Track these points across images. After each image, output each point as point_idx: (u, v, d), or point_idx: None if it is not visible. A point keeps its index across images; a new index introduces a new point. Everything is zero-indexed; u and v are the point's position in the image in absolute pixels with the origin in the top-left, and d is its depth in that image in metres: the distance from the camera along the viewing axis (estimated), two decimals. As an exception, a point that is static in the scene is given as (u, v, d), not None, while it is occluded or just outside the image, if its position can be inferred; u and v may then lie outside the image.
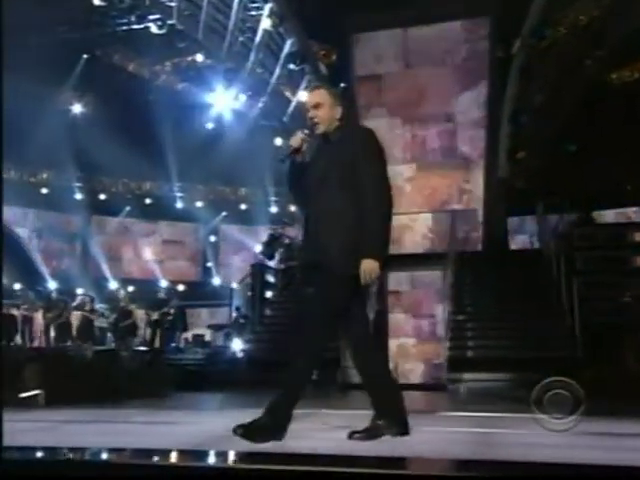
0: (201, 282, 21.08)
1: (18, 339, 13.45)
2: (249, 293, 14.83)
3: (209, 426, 4.43)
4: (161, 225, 21.72)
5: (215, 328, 16.30)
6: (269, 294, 14.29)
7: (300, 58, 14.49)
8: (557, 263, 11.14)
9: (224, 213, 21.44)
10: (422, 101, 14.77)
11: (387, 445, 3.06)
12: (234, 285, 15.83)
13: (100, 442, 3.27)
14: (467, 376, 9.70)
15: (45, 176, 20.41)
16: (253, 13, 15.02)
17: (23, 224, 19.07)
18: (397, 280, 11.61)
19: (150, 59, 18.60)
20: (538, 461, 2.68)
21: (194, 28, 15.53)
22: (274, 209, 20.33)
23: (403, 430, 3.19)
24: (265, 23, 14.35)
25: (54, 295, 14.73)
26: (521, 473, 2.45)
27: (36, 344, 13.48)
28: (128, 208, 20.76)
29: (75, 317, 13.85)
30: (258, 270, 14.21)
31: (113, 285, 18.49)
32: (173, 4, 15.19)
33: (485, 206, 14.21)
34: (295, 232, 14.08)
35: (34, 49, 15.55)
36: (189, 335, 16.02)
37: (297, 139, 3.30)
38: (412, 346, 10.80)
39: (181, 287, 18.82)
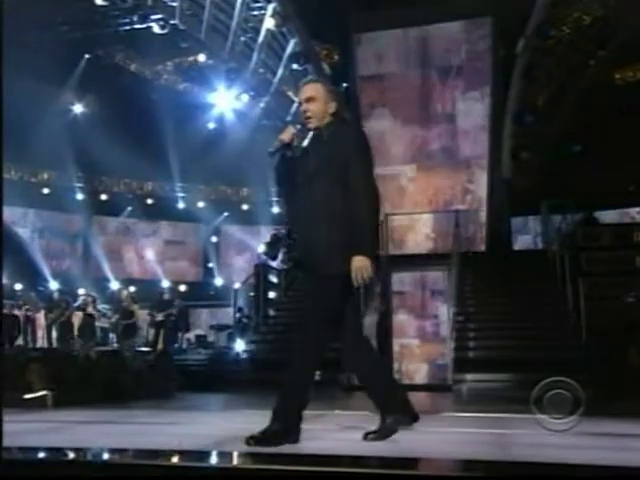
0: (203, 282, 21.05)
1: (20, 340, 13.43)
2: (251, 294, 14.81)
3: (220, 426, 4.40)
4: (163, 225, 21.69)
5: (217, 328, 16.29)
6: (272, 294, 14.26)
7: (303, 58, 14.45)
8: (562, 263, 11.12)
9: (226, 213, 21.42)
10: (425, 101, 14.75)
11: (399, 446, 3.04)
12: (237, 285, 15.79)
13: (115, 443, 3.25)
14: (472, 377, 9.68)
15: (46, 176, 20.39)
16: (255, 13, 15.01)
17: (24, 224, 19.02)
18: (401, 281, 11.57)
19: (152, 59, 18.59)
20: (548, 462, 2.67)
21: (196, 28, 15.52)
22: (276, 209, 20.30)
23: (412, 419, 3.21)
24: (268, 23, 14.33)
25: (56, 295, 14.70)
26: (530, 473, 2.43)
27: (39, 345, 13.46)
28: (130, 208, 20.75)
29: (77, 317, 13.83)
30: (261, 270, 14.17)
31: (114, 285, 18.46)
32: (175, 4, 15.18)
33: (489, 206, 14.18)
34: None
35: (36, 49, 15.56)
36: (191, 336, 16.00)
37: (287, 133, 3.23)
38: (416, 347, 10.76)
39: (183, 287, 18.80)
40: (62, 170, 19.64)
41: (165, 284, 18.22)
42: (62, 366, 6.95)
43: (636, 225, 13.20)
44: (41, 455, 2.78)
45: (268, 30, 14.70)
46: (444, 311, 10.79)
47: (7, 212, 18.23)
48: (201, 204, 21.55)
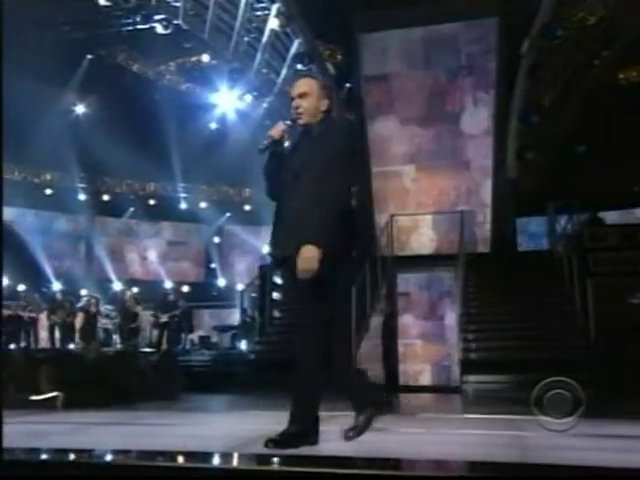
0: (205, 283, 21.02)
1: (24, 341, 13.41)
2: (254, 294, 14.77)
3: (234, 428, 4.37)
4: (165, 226, 21.67)
5: (220, 329, 16.26)
6: (277, 295, 14.21)
7: (307, 58, 14.42)
8: (569, 264, 11.10)
9: (228, 214, 21.39)
10: (429, 101, 14.70)
11: (410, 447, 3.07)
12: (241, 286, 15.76)
13: (132, 444, 3.24)
14: (480, 378, 9.65)
15: (49, 177, 20.37)
16: (259, 13, 14.97)
17: (27, 225, 18.97)
18: (406, 282, 11.53)
19: (155, 59, 18.57)
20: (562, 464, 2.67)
21: (200, 28, 15.49)
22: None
23: (377, 406, 3.30)
24: (272, 23, 14.30)
25: (59, 296, 14.68)
26: (543, 474, 2.43)
27: (42, 345, 13.44)
28: (132, 209, 20.72)
29: (80, 318, 13.81)
30: (266, 272, 14.13)
31: (117, 286, 18.44)
32: (179, 4, 15.15)
33: (493, 207, 14.14)
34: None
35: (38, 49, 15.53)
36: (195, 336, 15.97)
37: (278, 130, 3.14)
38: (422, 348, 10.71)
39: (185, 288, 18.77)
40: (65, 171, 19.63)
41: (168, 285, 18.20)
42: (69, 367, 6.94)
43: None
44: (41, 456, 2.78)
45: (272, 30, 14.66)
46: (450, 312, 10.75)
47: (10, 213, 18.23)
48: (203, 205, 21.53)
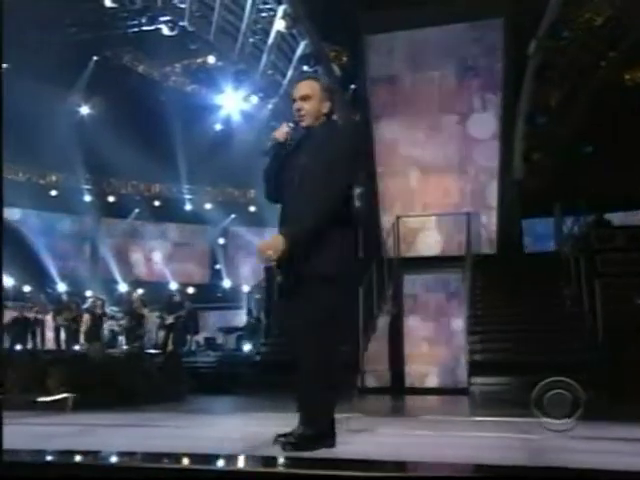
0: (210, 285, 21.02)
1: (31, 342, 13.43)
2: (257, 296, 14.76)
3: (247, 430, 4.34)
4: (170, 227, 21.68)
5: (225, 331, 16.26)
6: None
7: (314, 60, 14.41)
8: (576, 265, 11.06)
9: (233, 215, 21.39)
10: (435, 102, 14.68)
11: (423, 449, 3.07)
12: (246, 288, 15.76)
13: (149, 446, 3.21)
14: (488, 380, 9.61)
15: (54, 178, 20.41)
16: (265, 14, 14.98)
17: (32, 226, 19.01)
18: (413, 283, 11.51)
19: (160, 60, 18.60)
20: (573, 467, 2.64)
21: (206, 29, 15.52)
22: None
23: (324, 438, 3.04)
24: (279, 25, 14.30)
25: (64, 297, 14.70)
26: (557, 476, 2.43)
27: (48, 347, 13.45)
28: (137, 210, 20.74)
29: (86, 320, 13.81)
30: (272, 273, 14.11)
31: (122, 288, 18.46)
32: (185, 6, 15.18)
33: (500, 208, 14.11)
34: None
35: (44, 50, 15.57)
36: (200, 338, 15.96)
37: (282, 132, 3.12)
38: (428, 349, 10.68)
39: (190, 290, 18.77)
40: (70, 172, 19.67)
41: (173, 286, 18.20)
42: (74, 369, 6.92)
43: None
44: (42, 457, 2.76)
45: (278, 32, 14.66)
46: (458, 314, 10.71)
47: (16, 214, 18.28)
48: (209, 206, 21.54)
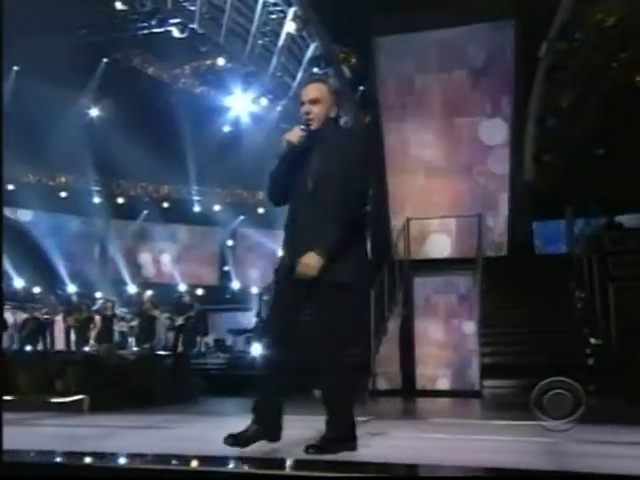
0: (219, 286, 21.03)
1: (41, 343, 13.46)
2: (267, 297, 14.71)
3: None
4: (179, 229, 21.71)
5: (235, 333, 16.26)
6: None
7: (324, 62, 14.41)
8: (588, 267, 11.00)
9: (242, 217, 21.40)
10: (446, 104, 14.65)
11: (440, 452, 3.03)
12: (255, 289, 15.74)
13: (167, 448, 3.20)
14: (501, 383, 9.57)
15: (64, 180, 20.48)
16: (275, 17, 14.99)
17: (42, 227, 19.08)
18: (423, 285, 11.46)
19: (170, 63, 18.65)
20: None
21: (216, 32, 15.55)
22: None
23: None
24: (289, 27, 14.31)
25: (74, 299, 14.74)
26: None
27: (58, 348, 13.48)
28: (146, 212, 20.78)
29: (96, 321, 13.84)
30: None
31: (132, 289, 18.49)
32: (195, 8, 15.21)
33: (510, 210, 14.06)
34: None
35: (55, 52, 15.62)
36: (210, 339, 15.96)
37: (296, 135, 3.06)
38: (440, 352, 10.63)
39: (199, 291, 18.79)
40: (80, 174, 19.74)
41: (182, 288, 18.22)
42: (85, 370, 6.92)
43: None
44: (41, 458, 2.76)
45: (288, 34, 14.67)
46: (469, 316, 10.66)
47: (25, 215, 18.36)
48: (217, 207, 21.56)
